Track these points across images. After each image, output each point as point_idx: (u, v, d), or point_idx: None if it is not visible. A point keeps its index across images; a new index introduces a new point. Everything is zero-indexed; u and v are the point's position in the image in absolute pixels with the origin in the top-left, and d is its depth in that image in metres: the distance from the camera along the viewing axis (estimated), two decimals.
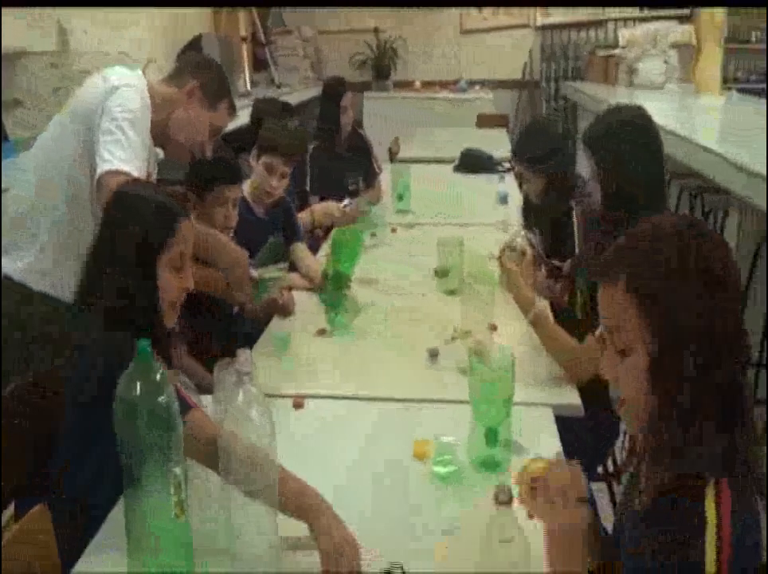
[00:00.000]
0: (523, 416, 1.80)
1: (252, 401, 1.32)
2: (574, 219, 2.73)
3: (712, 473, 1.07)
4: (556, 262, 2.62)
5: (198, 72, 2.30)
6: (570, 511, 1.21)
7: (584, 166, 2.80)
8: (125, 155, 2.00)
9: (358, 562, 1.36)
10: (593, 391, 2.07)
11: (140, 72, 2.27)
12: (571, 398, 2.01)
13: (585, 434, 2.12)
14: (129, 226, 1.70)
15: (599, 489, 2.45)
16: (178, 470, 1.29)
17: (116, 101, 2.05)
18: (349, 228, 2.94)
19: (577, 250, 2.65)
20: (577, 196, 2.80)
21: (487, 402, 1.65)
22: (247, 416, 1.32)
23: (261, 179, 2.96)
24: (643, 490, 1.20)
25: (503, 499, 1.26)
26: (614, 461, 2.51)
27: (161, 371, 1.31)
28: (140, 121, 2.10)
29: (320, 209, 3.68)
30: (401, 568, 1.32)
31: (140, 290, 1.68)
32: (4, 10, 3.43)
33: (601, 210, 2.20)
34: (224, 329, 2.48)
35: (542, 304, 2.30)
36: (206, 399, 1.96)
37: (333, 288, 2.55)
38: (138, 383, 1.27)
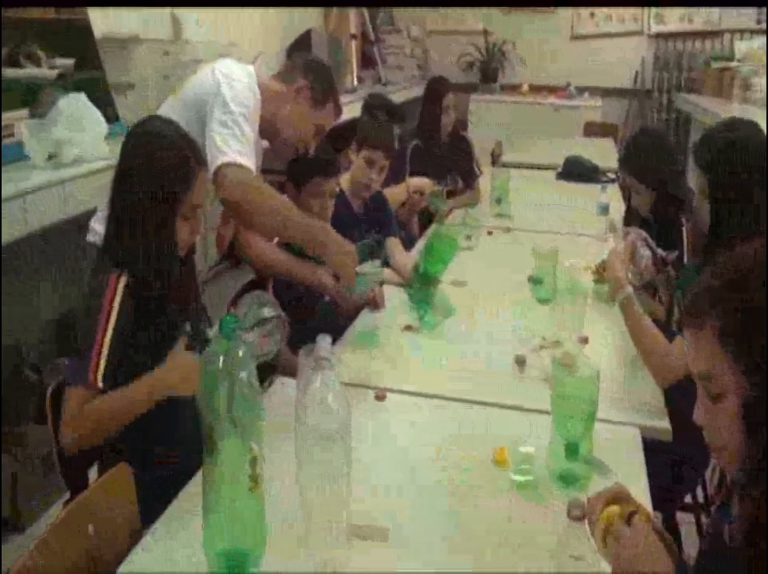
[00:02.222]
0: (609, 435, 1.76)
1: (329, 386, 1.32)
2: (684, 235, 2.64)
3: None
4: (661, 252, 2.52)
5: (308, 71, 2.34)
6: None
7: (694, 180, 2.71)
8: (242, 148, 2.06)
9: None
10: (685, 415, 2.01)
11: (251, 68, 2.31)
12: (660, 421, 1.94)
13: (673, 460, 2.06)
14: (144, 180, 1.76)
15: (685, 520, 2.36)
16: (255, 445, 1.30)
17: (231, 94, 2.10)
18: (446, 231, 2.91)
19: (686, 260, 2.57)
20: (688, 210, 2.71)
21: (569, 416, 1.61)
22: (323, 401, 1.32)
23: (360, 172, 2.97)
24: (734, 521, 1.15)
25: (576, 514, 1.23)
26: (705, 491, 2.41)
27: (244, 346, 1.33)
28: (252, 116, 2.16)
29: (415, 182, 3.71)
30: None
31: (156, 237, 1.76)
32: None
33: (709, 227, 2.12)
34: (317, 316, 2.50)
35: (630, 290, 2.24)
36: (292, 383, 2.01)
37: (420, 286, 2.54)
38: (221, 357, 1.29)
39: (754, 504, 1.07)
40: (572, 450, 1.61)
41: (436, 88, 4.32)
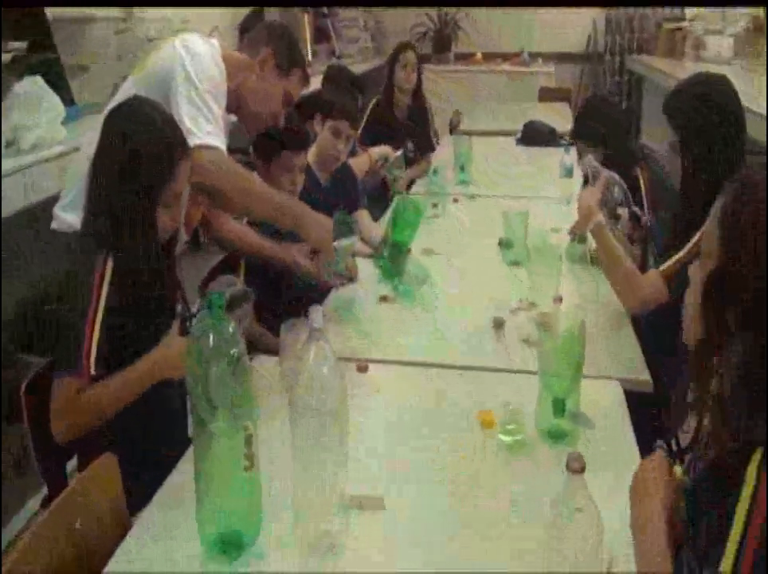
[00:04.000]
0: (592, 390, 1.77)
1: (325, 357, 1.31)
2: (642, 186, 2.69)
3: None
4: (637, 210, 2.58)
5: (271, 39, 2.28)
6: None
7: (652, 135, 2.76)
8: (212, 129, 2.03)
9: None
10: (661, 368, 2.05)
11: (213, 40, 2.26)
12: (641, 373, 1.97)
13: (651, 412, 2.09)
14: (125, 167, 1.71)
15: None
16: (249, 423, 1.29)
17: (195, 68, 2.05)
18: (410, 198, 2.91)
19: (646, 213, 2.61)
20: (642, 166, 2.77)
21: (556, 371, 1.62)
22: (319, 372, 1.31)
23: (327, 144, 2.94)
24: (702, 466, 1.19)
25: (576, 467, 1.23)
26: (677, 443, 2.45)
27: (233, 323, 1.31)
28: (220, 92, 2.11)
29: (378, 150, 3.72)
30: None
31: (135, 226, 1.72)
32: None
33: (681, 179, 2.15)
34: (289, 291, 2.48)
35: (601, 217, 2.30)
36: (271, 360, 2.00)
37: (391, 257, 2.54)
38: (210, 335, 1.27)
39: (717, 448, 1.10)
40: (559, 406, 1.63)
41: (396, 49, 4.34)
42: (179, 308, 1.84)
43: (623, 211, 2.47)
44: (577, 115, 3.21)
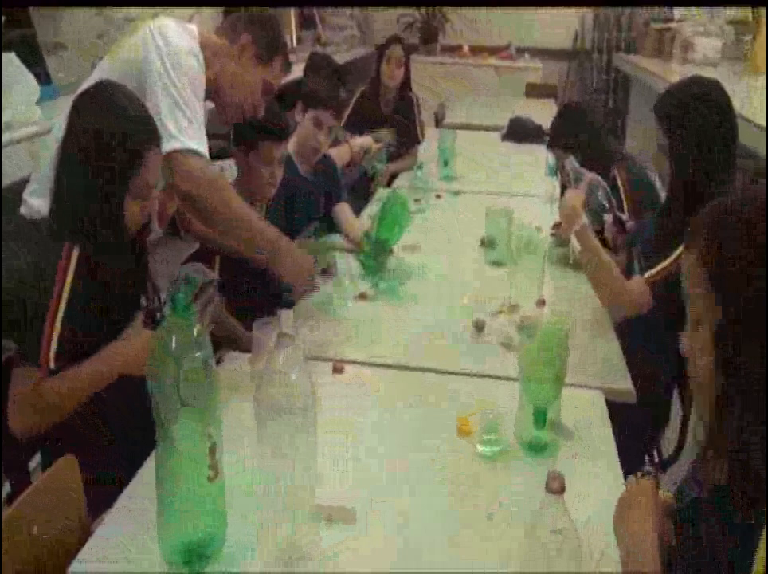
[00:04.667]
0: (573, 399, 1.72)
1: (293, 364, 1.25)
2: (621, 186, 2.65)
3: None
4: (621, 215, 2.54)
5: (253, 24, 2.18)
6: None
7: (637, 137, 2.71)
8: (193, 131, 1.95)
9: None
10: (643, 376, 2.00)
11: (192, 26, 2.16)
12: (623, 382, 1.92)
13: (633, 421, 2.04)
14: (92, 155, 1.64)
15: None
16: (213, 431, 1.23)
17: (173, 61, 1.96)
18: (400, 195, 2.84)
19: (626, 212, 2.57)
20: (619, 163, 2.74)
21: (537, 381, 1.57)
22: (287, 379, 1.25)
23: (308, 135, 2.87)
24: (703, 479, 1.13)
25: (556, 487, 1.18)
26: (659, 452, 2.42)
27: (198, 325, 1.25)
28: (199, 84, 2.03)
29: (359, 142, 3.66)
30: None
31: (103, 216, 1.65)
32: None
33: (669, 182, 2.11)
34: (264, 287, 2.42)
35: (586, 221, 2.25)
36: (244, 357, 1.93)
37: (375, 254, 2.48)
38: (173, 337, 1.20)
39: (720, 464, 1.05)
40: (540, 417, 1.58)
41: (384, 42, 4.28)
42: (143, 300, 1.77)
43: (607, 217, 2.42)
44: (552, 125, 3.16)
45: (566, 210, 2.24)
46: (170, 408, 1.18)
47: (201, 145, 1.97)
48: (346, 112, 4.02)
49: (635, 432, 2.03)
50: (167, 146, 1.89)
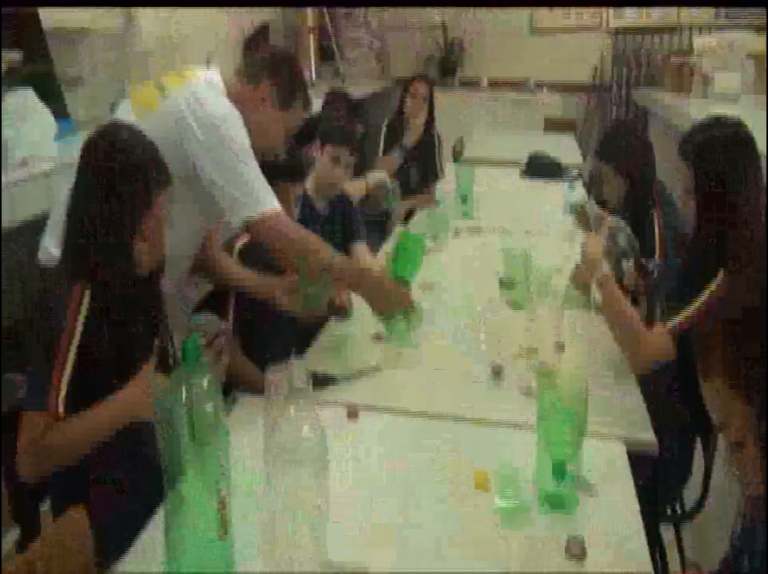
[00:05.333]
0: (593, 449, 1.67)
1: (305, 418, 1.22)
2: (656, 227, 2.58)
3: None
4: (643, 260, 2.47)
5: (274, 69, 2.19)
6: None
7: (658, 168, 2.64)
8: (264, 189, 2.06)
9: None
10: (666, 427, 1.95)
11: (216, 78, 2.16)
12: (646, 433, 1.86)
13: (654, 473, 1.99)
14: (103, 195, 1.64)
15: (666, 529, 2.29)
16: (223, 486, 1.19)
17: (225, 140, 2.01)
18: (414, 234, 2.82)
19: (656, 259, 2.50)
20: (658, 206, 2.65)
21: (557, 434, 1.52)
22: (298, 433, 1.22)
23: (326, 171, 2.86)
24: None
25: (576, 552, 1.13)
26: (681, 504, 2.35)
27: (209, 374, 1.22)
28: (246, 144, 2.07)
29: (375, 177, 3.66)
30: None
31: (112, 257, 1.64)
32: None
33: (695, 222, 2.07)
34: (280, 328, 2.39)
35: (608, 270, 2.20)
36: (257, 401, 1.89)
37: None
38: (183, 388, 1.17)
39: None
40: (560, 470, 1.53)
41: (410, 78, 4.37)
42: (156, 343, 1.74)
43: (627, 263, 2.37)
44: (605, 136, 3.01)
45: (587, 260, 2.19)
46: (180, 461, 1.15)
47: (275, 201, 2.07)
48: (380, 144, 4.06)
49: (656, 484, 1.98)
50: (246, 211, 2.02)
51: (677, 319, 1.98)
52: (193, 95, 2.05)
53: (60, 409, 1.54)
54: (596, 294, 2.14)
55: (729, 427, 1.05)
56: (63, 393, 1.55)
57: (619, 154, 2.78)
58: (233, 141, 2.02)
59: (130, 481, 1.68)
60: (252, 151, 2.07)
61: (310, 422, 1.19)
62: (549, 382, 1.61)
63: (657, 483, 1.97)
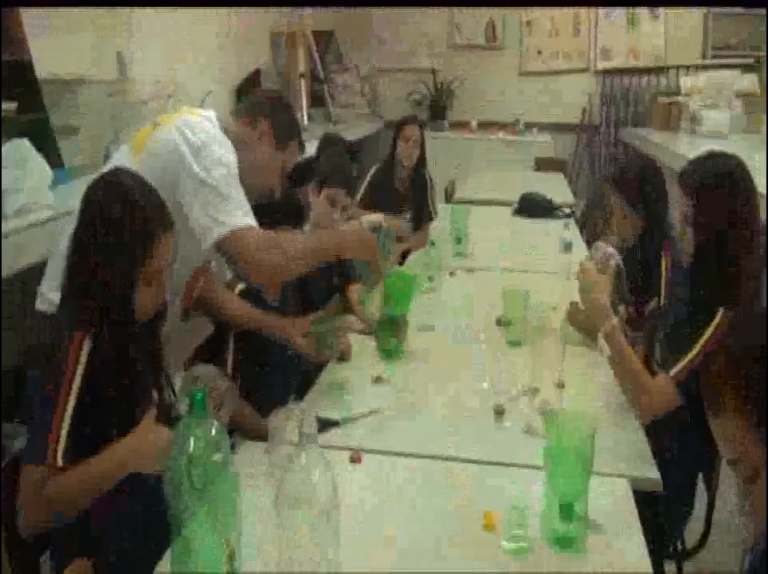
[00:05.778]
0: (599, 488, 1.66)
1: (315, 464, 1.21)
2: (663, 267, 2.55)
3: None
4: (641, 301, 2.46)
5: (271, 110, 2.22)
6: None
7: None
8: (236, 209, 2.01)
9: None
10: (668, 464, 1.94)
11: (212, 114, 2.18)
12: (650, 471, 1.85)
13: (657, 511, 1.98)
14: (104, 241, 1.63)
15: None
16: (232, 537, 1.18)
17: (206, 154, 2.00)
18: (398, 272, 2.83)
19: (662, 299, 2.48)
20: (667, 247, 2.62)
21: (564, 476, 1.51)
22: (309, 479, 1.21)
23: (322, 213, 2.87)
24: None
25: None
26: (682, 542, 2.33)
27: (217, 425, 1.21)
28: (234, 171, 2.06)
29: (370, 218, 3.68)
30: None
31: (113, 304, 1.62)
32: (66, 37, 3.43)
33: (692, 255, 2.07)
34: (279, 372, 2.38)
35: (616, 320, 2.13)
36: (258, 446, 1.88)
37: (391, 332, 2.46)
38: (192, 438, 1.16)
39: None
40: (568, 511, 1.52)
41: (399, 121, 4.40)
42: (155, 394, 1.72)
43: (622, 307, 2.36)
44: (625, 170, 2.87)
45: (594, 309, 2.14)
46: (186, 513, 1.13)
47: (250, 219, 2.02)
48: (360, 190, 4.07)
49: (660, 522, 1.96)
50: (215, 233, 1.97)
51: (678, 366, 1.97)
52: (184, 121, 2.07)
53: (60, 461, 1.51)
54: (602, 343, 2.10)
55: (741, 462, 1.04)
56: (62, 444, 1.52)
57: (639, 190, 2.70)
58: (220, 164, 2.01)
59: (131, 533, 1.65)
60: (237, 175, 2.06)
61: (321, 467, 1.19)
62: (555, 422, 1.60)
63: (661, 521, 1.95)
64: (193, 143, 2.01)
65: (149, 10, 4.20)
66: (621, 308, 2.38)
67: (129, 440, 1.56)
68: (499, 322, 2.74)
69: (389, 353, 2.46)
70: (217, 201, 1.98)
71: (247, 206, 2.04)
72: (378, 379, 2.34)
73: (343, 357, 2.45)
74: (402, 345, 2.50)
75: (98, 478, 1.53)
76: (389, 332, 2.48)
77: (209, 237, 1.98)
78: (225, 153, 2.05)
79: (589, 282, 2.15)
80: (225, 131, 2.13)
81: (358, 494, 1.71)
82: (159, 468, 1.35)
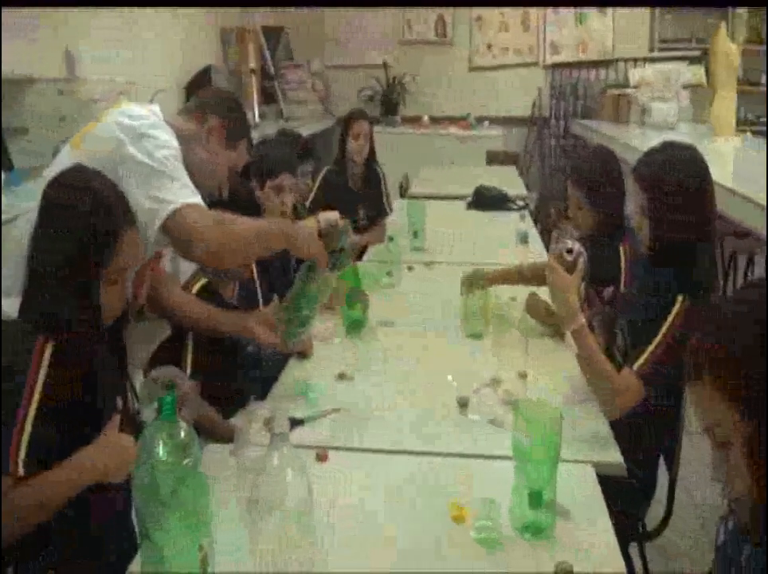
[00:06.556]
0: (564, 474, 1.67)
1: (288, 464, 1.20)
2: (622, 257, 2.58)
3: None
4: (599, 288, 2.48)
5: (221, 108, 2.18)
6: None
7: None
8: (181, 189, 1.93)
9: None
10: (631, 448, 1.97)
11: (155, 107, 2.14)
12: (613, 455, 1.88)
13: (620, 495, 2.00)
14: (66, 240, 1.58)
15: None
16: (205, 542, 1.16)
17: (145, 136, 1.93)
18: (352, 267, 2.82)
19: (622, 287, 2.51)
20: (626, 238, 2.64)
21: (533, 465, 1.52)
22: (283, 479, 1.20)
23: (273, 204, 2.88)
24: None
25: None
26: (643, 525, 2.36)
27: (186, 428, 1.19)
28: (176, 152, 1.99)
29: (327, 216, 3.65)
30: None
31: (78, 304, 1.57)
32: (12, 36, 3.36)
33: (649, 245, 2.10)
34: (240, 371, 2.36)
35: (584, 318, 2.12)
36: (222, 448, 1.85)
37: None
38: (161, 443, 1.14)
39: None
40: (536, 500, 1.53)
41: (347, 116, 4.37)
42: (118, 401, 1.68)
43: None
44: (584, 162, 2.89)
45: (563, 307, 2.11)
46: (157, 518, 1.12)
47: (193, 196, 1.95)
48: (313, 191, 4.05)
49: (623, 506, 1.98)
50: (162, 213, 1.88)
51: (641, 360, 1.99)
52: (121, 112, 2.01)
53: (21, 471, 1.46)
54: (571, 345, 2.10)
55: (716, 427, 1.06)
56: (23, 453, 1.46)
57: (595, 181, 2.72)
58: (159, 146, 1.95)
59: (97, 541, 1.61)
60: (180, 160, 2.01)
61: (294, 466, 1.18)
62: (520, 411, 1.61)
63: (624, 504, 1.98)
64: (131, 128, 1.94)
65: (101, 9, 4.13)
66: (582, 288, 2.38)
67: (92, 448, 1.51)
68: (460, 314, 2.74)
69: (356, 325, 2.53)
70: (162, 182, 1.91)
71: (192, 187, 1.98)
72: (341, 376, 2.33)
73: (305, 354, 2.44)
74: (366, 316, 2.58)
75: (61, 488, 1.47)
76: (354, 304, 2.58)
77: (156, 218, 1.89)
78: (168, 138, 1.99)
79: (559, 282, 2.12)
80: (171, 126, 2.07)
81: (325, 493, 1.70)
82: (124, 477, 1.33)
